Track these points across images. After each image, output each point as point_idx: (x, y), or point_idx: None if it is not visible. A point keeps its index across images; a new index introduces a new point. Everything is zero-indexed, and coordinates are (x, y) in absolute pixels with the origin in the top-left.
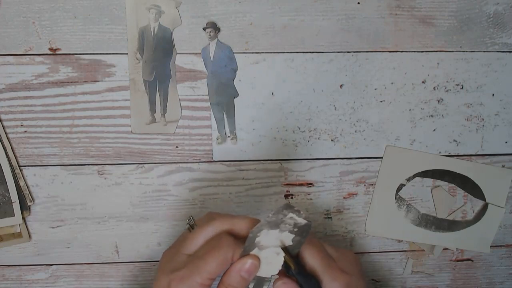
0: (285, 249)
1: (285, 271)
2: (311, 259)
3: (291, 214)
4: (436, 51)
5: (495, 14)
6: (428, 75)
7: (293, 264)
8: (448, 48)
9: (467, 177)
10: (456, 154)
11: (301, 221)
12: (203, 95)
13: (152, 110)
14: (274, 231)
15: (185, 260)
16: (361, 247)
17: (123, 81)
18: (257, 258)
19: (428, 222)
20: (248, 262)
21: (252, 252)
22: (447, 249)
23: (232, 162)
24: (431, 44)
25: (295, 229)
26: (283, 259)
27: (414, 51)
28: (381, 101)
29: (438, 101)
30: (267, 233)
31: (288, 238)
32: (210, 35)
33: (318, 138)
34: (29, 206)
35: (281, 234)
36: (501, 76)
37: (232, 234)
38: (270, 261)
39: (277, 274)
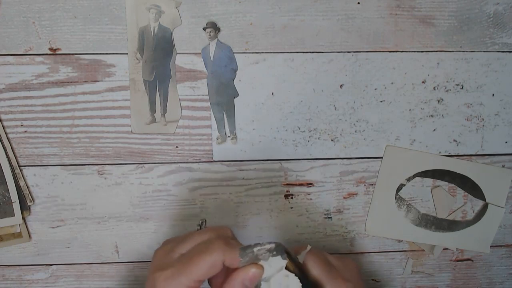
0: (290, 257)
1: None
2: (315, 269)
3: (255, 248)
4: (436, 51)
5: (495, 14)
6: (428, 75)
7: (297, 275)
8: (448, 48)
9: (467, 177)
10: (456, 154)
11: (269, 246)
12: (203, 95)
13: (152, 110)
14: (262, 262)
15: (176, 260)
16: (361, 247)
17: (123, 81)
18: (261, 267)
19: (428, 222)
20: (251, 270)
21: (261, 287)
22: (447, 249)
23: (232, 162)
24: (431, 44)
25: (274, 252)
26: (299, 280)
27: (414, 51)
28: (381, 101)
29: (438, 101)
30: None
31: (279, 260)
32: (210, 35)
33: (318, 138)
34: (29, 206)
35: (268, 262)
36: (501, 76)
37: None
38: (286, 284)
39: None
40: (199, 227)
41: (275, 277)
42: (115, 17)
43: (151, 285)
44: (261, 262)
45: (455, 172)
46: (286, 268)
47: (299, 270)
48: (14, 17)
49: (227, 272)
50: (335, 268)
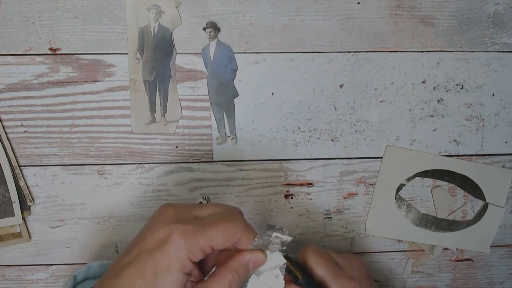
0: (288, 258)
1: (293, 281)
2: (319, 268)
3: (275, 234)
4: (436, 51)
5: (495, 14)
6: (428, 75)
7: (301, 274)
8: (448, 48)
9: (467, 177)
10: (456, 154)
11: (287, 238)
12: (203, 95)
13: (152, 110)
14: (267, 253)
15: (194, 220)
16: (361, 247)
17: (123, 81)
18: (266, 255)
19: (428, 222)
20: (259, 255)
21: (250, 280)
22: (447, 249)
23: (232, 162)
24: (431, 44)
25: (284, 247)
26: (284, 283)
27: (414, 51)
28: (381, 101)
29: (438, 101)
30: None
31: (280, 258)
32: (210, 35)
33: (318, 138)
34: (29, 206)
35: (272, 255)
36: (501, 76)
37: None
38: (271, 285)
39: None
40: (205, 201)
41: (266, 273)
42: (115, 17)
43: (162, 235)
44: (267, 253)
45: (455, 172)
46: (287, 267)
47: (303, 270)
48: (14, 17)
49: (220, 256)
50: (340, 267)
